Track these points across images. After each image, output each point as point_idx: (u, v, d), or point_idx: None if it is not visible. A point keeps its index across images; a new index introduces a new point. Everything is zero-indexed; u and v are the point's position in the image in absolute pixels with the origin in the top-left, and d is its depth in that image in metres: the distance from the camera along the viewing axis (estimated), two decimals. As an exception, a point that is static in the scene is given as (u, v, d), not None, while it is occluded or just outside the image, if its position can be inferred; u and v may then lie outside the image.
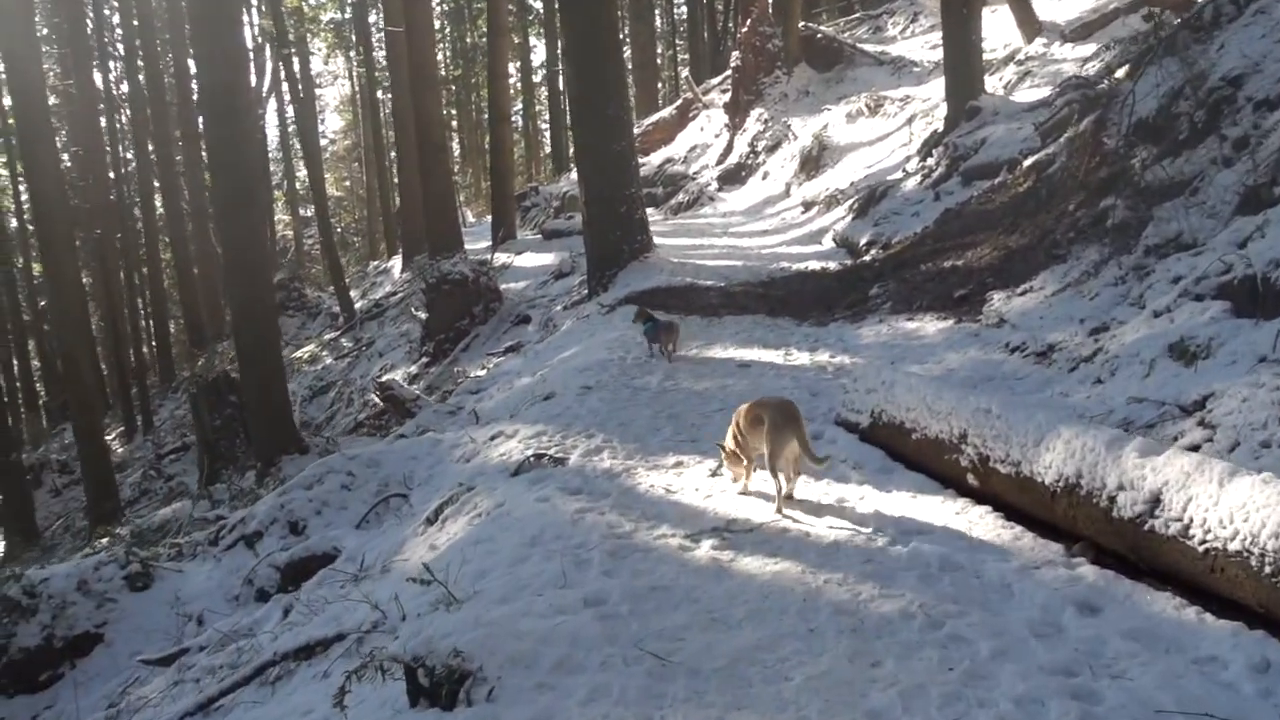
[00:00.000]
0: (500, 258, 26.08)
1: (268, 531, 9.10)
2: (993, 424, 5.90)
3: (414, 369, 21.67)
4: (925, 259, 13.52)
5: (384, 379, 15.06)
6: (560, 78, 38.24)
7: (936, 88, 22.94)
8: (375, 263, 33.71)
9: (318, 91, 53.74)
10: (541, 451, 7.84)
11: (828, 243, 18.28)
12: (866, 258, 16.06)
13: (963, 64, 17.95)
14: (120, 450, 29.56)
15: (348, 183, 59.63)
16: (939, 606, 4.69)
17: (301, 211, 54.34)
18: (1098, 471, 5.01)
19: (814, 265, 16.76)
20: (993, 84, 19.57)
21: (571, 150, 23.53)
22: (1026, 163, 14.41)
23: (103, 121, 35.16)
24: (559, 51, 20.37)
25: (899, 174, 18.67)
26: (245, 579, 8.80)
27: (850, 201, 18.92)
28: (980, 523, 5.73)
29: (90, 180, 34.11)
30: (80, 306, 21.20)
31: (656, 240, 20.21)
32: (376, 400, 16.12)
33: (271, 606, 7.85)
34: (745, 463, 6.66)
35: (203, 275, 39.88)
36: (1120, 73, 13.88)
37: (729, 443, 6.73)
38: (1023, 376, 8.54)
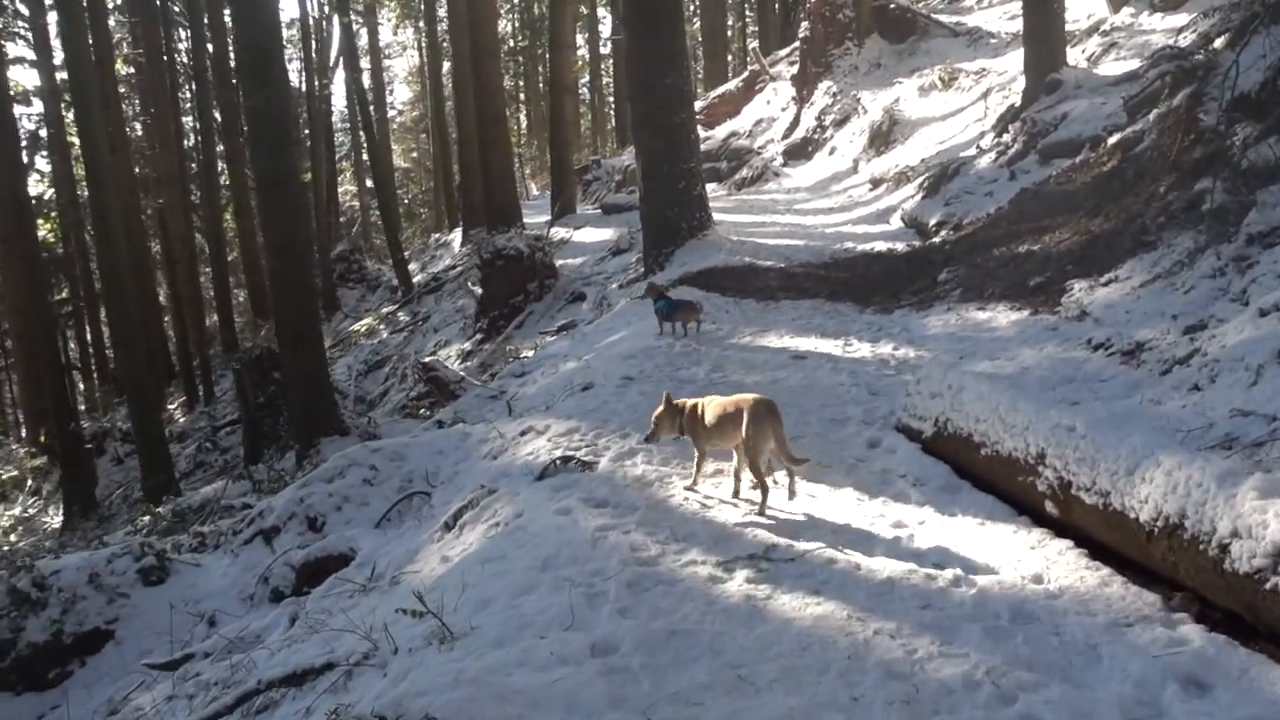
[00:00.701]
0: (558, 232, 25.41)
1: (285, 527, 8.52)
2: (1077, 444, 5.04)
3: (468, 345, 21.14)
4: (999, 242, 12.52)
5: (427, 359, 14.49)
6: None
7: (1014, 60, 21.68)
8: (436, 235, 33.25)
9: (386, 62, 53.56)
10: (570, 454, 7.12)
11: (895, 222, 17.29)
12: (936, 239, 15.07)
13: (1043, 34, 16.76)
14: (182, 420, 29.57)
15: (415, 154, 59.32)
16: (1010, 674, 3.88)
17: (369, 182, 54.21)
18: (1206, 512, 4.14)
19: (880, 246, 15.80)
20: (1075, 56, 18.30)
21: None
22: (1111, 140, 13.30)
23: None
24: (620, 19, 19.47)
25: (972, 151, 17.57)
26: (261, 577, 8.23)
27: (920, 179, 17.87)
28: (1059, 561, 4.89)
29: (156, 147, 34.08)
30: (127, 274, 20.88)
31: (717, 217, 19.38)
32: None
33: (280, 613, 7.27)
34: (697, 456, 6.38)
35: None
36: (1219, 42, 12.66)
37: (669, 416, 6.41)
38: (1107, 378, 7.60)
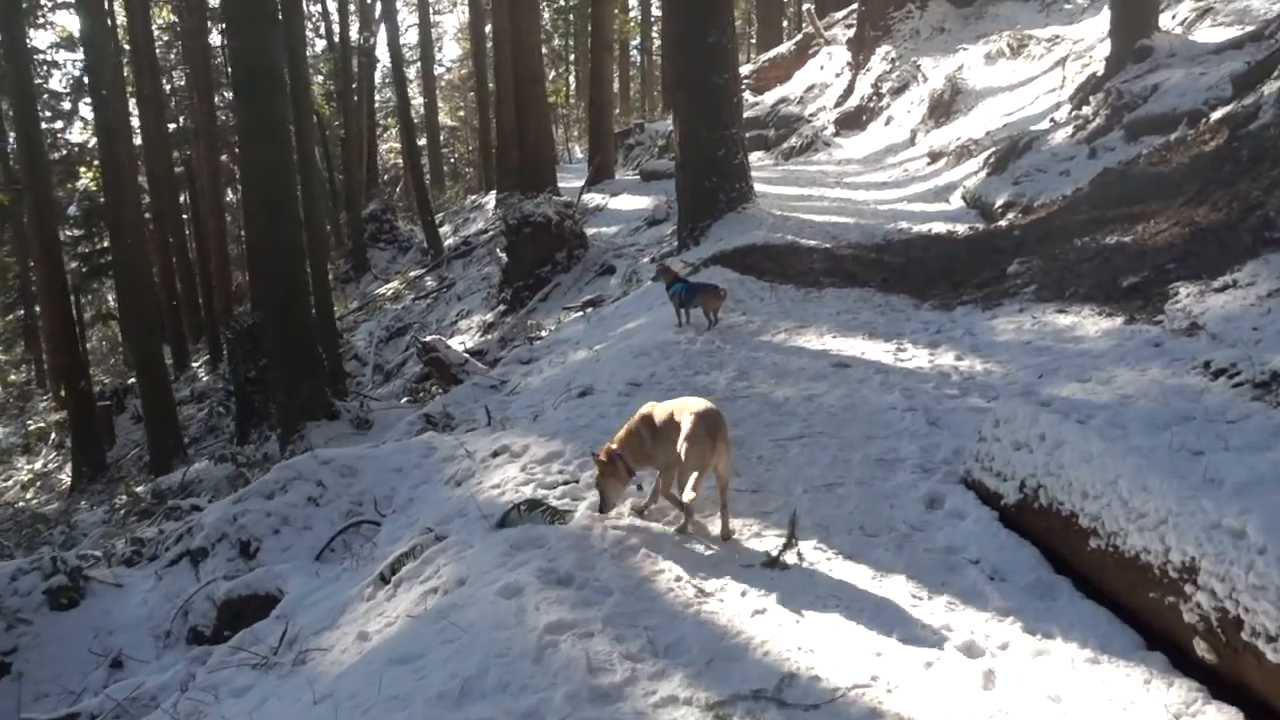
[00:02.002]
0: (593, 198, 23.72)
1: (214, 550, 6.99)
2: (1251, 561, 3.31)
3: (489, 317, 19.60)
4: (1080, 230, 10.62)
5: (429, 338, 12.88)
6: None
7: (1093, 27, 19.57)
8: (473, 197, 31.64)
9: (436, 18, 51.75)
10: (542, 494, 5.48)
11: (956, 201, 15.37)
12: (1003, 222, 13.17)
13: (1133, -5, 14.70)
14: (205, 379, 28.37)
15: (462, 112, 57.59)
16: None
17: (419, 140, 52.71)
18: None
19: (939, 227, 13.93)
20: (1165, 22, 16.17)
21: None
22: (1215, 115, 11.33)
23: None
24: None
25: (1045, 124, 15.56)
26: (181, 610, 6.74)
27: (986, 154, 15.90)
28: (1223, 745, 3.18)
29: (194, 99, 32.74)
30: (139, 237, 19.53)
31: (760, 188, 17.59)
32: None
33: (179, 671, 5.78)
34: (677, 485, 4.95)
35: (306, 198, 38.60)
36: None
37: (615, 449, 5.12)
38: (1237, 419, 5.78)
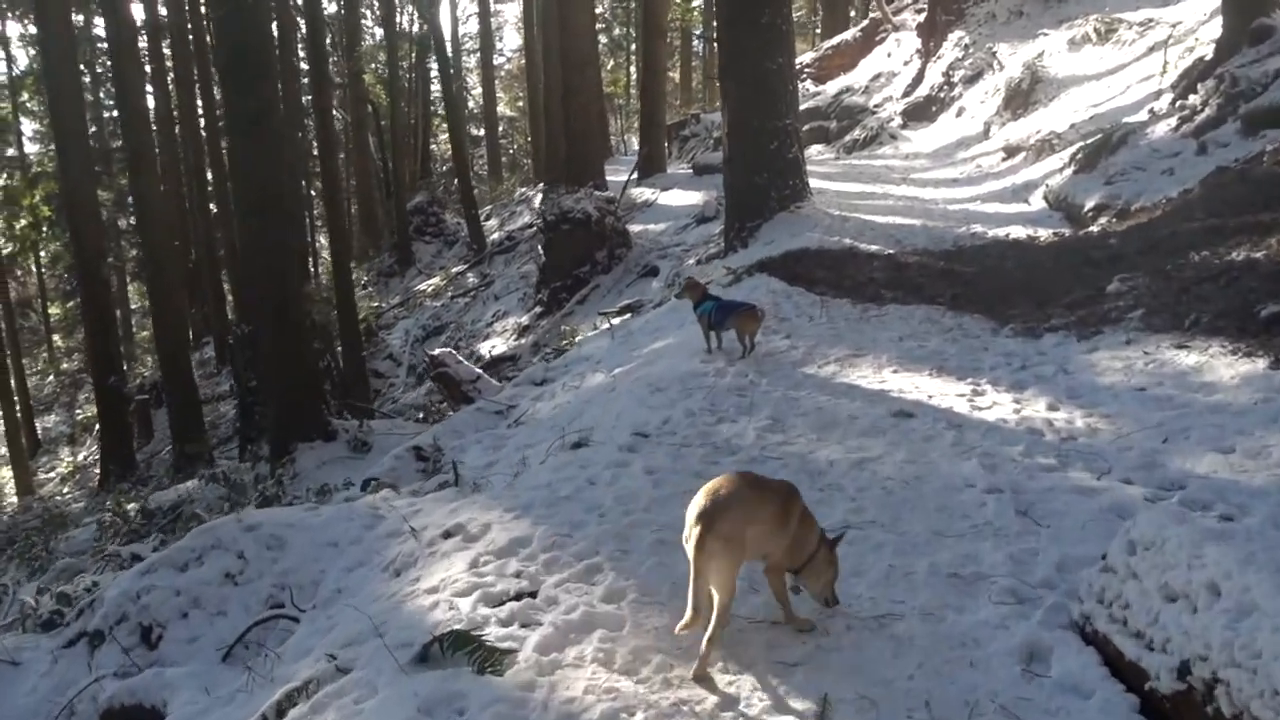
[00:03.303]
0: (642, 193, 22.09)
1: (112, 634, 5.54)
2: None
3: (525, 319, 18.13)
4: (1195, 242, 8.76)
5: (437, 351, 11.36)
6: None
7: (1192, 8, 17.44)
8: (523, 189, 30.20)
9: (497, 6, 50.39)
10: (473, 628, 3.89)
11: (1037, 201, 13.50)
12: (1094, 228, 11.30)
13: (1248, -31, 12.66)
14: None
15: (521, 103, 56.11)
16: None
17: (475, 130, 51.49)
18: None
19: (1018, 232, 12.10)
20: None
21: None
22: (1359, 105, 9.38)
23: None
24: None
25: (1143, 116, 13.58)
26: (66, 708, 5.32)
27: (1071, 149, 13.96)
28: None
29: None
30: (166, 241, 18.41)
31: (818, 185, 15.87)
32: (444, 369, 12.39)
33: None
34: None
35: (360, 191, 37.49)
36: None
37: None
38: None
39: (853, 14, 37.35)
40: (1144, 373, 6.45)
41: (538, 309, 17.80)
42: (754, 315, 7.56)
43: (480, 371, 11.13)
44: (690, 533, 3.53)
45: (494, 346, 17.99)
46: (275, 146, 9.82)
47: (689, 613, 3.45)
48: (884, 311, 9.09)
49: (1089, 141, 13.38)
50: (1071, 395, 6.33)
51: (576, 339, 13.29)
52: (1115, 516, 4.46)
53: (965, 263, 11.04)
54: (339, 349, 16.97)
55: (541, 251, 18.12)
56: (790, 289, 10.09)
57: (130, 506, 12.14)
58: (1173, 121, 12.26)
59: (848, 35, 28.65)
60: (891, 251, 11.72)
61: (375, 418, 12.28)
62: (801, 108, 24.97)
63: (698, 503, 3.61)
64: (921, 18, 24.63)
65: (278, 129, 10.09)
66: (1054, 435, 5.64)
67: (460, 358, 11.43)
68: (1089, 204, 11.80)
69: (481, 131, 50.50)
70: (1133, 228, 10.42)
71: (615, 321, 11.66)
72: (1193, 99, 12.20)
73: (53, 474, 27.17)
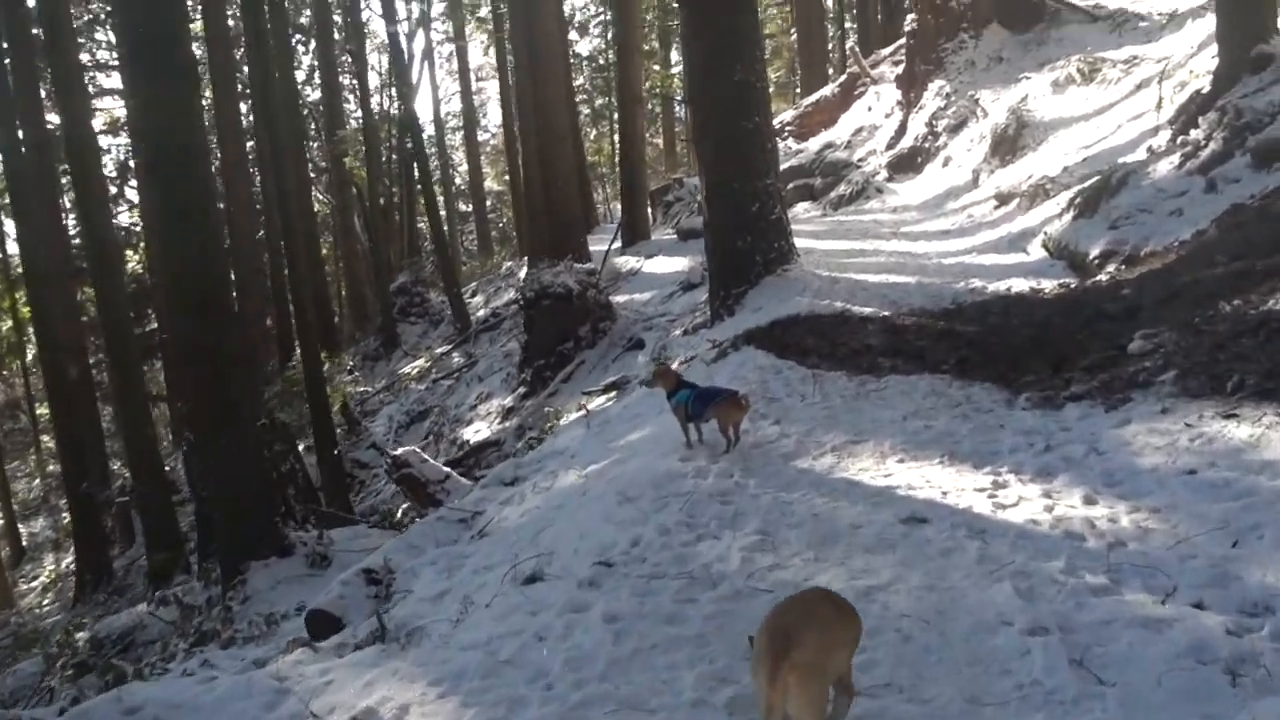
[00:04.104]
0: (627, 261, 21.29)
1: None
2: None
3: (509, 401, 17.15)
4: (1222, 290, 7.82)
5: (398, 452, 10.36)
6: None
7: (1177, 43, 16.76)
8: (509, 264, 29.44)
9: (479, 84, 50.14)
10: None
11: (1036, 250, 12.62)
12: (1102, 277, 10.40)
13: (1241, -5, 11.89)
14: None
15: (508, 176, 55.78)
16: None
17: (462, 206, 51.09)
18: None
19: (1019, 285, 11.20)
20: (1274, 27, 13.30)
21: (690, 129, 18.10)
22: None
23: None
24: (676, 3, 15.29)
25: (1140, 154, 12.75)
26: None
27: (1068, 194, 13.11)
28: None
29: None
30: (127, 321, 17.52)
31: (806, 244, 15.05)
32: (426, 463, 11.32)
33: None
34: None
35: (348, 273, 36.73)
36: None
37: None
38: None
39: (830, 71, 36.96)
40: (1190, 451, 5.46)
41: (521, 389, 16.83)
42: (737, 404, 6.59)
43: (448, 471, 10.13)
44: (760, 665, 3.01)
45: (478, 431, 17.01)
46: (206, 242, 8.92)
47: None
48: (883, 384, 8.13)
49: (1087, 185, 12.53)
50: (1109, 483, 5.34)
51: (560, 421, 12.34)
52: (1196, 662, 3.47)
53: (967, 321, 10.11)
54: (313, 444, 16.01)
55: (523, 329, 17.23)
56: (780, 363, 9.15)
57: (79, 635, 11.08)
58: (1175, 159, 11.40)
59: (826, 91, 28.07)
60: (887, 313, 10.79)
61: (342, 524, 11.24)
62: (785, 166, 24.36)
63: (768, 635, 3.07)
64: (900, 69, 24.03)
65: (215, 224, 9.20)
66: (1098, 540, 4.65)
67: (425, 456, 10.42)
68: (1094, 251, 10.90)
69: (470, 207, 50.14)
70: (1146, 275, 9.51)
71: (592, 406, 10.71)
72: (1194, 134, 11.36)
73: (35, 583, 26.02)
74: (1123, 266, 10.36)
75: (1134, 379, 6.91)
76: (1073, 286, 10.50)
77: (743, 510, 5.54)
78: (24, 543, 30.11)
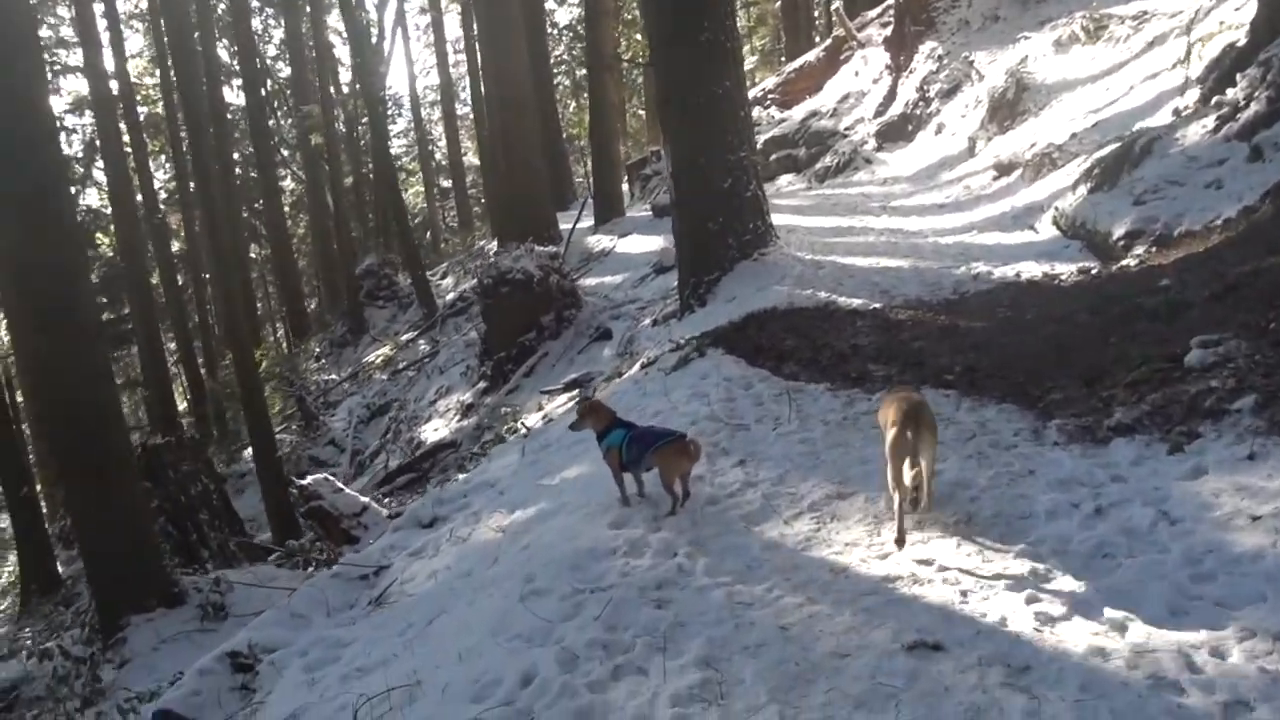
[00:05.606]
0: (600, 241, 19.60)
1: None
2: None
3: (468, 396, 15.50)
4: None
5: (307, 481, 8.60)
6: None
7: (1190, -3, 14.96)
8: (482, 243, 27.62)
9: (455, 56, 47.87)
10: None
11: (1046, 228, 10.95)
12: (1129, 260, 8.73)
13: (1277, -66, 10.13)
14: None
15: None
16: None
17: (443, 181, 49.02)
18: None
19: (1030, 269, 9.55)
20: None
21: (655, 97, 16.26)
22: None
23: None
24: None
25: (1163, 117, 11.05)
26: None
27: (1081, 163, 11.41)
28: None
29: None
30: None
31: (788, 221, 13.43)
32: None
33: None
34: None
35: (319, 254, 34.80)
36: None
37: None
38: None
39: (816, 38, 34.97)
40: (1304, 524, 3.83)
41: (482, 384, 15.18)
42: (684, 451, 4.92)
43: (365, 502, 8.47)
44: (900, 429, 4.40)
45: (436, 430, 15.37)
46: (67, 233, 7.21)
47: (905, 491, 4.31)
48: (875, 403, 6.44)
49: (1103, 153, 10.81)
50: (1198, 577, 3.71)
51: (518, 423, 10.69)
52: None
53: (972, 316, 8.46)
54: (249, 454, 14.34)
55: (481, 319, 15.56)
56: (751, 372, 7.51)
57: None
58: (1208, 122, 9.69)
59: (810, 56, 26.15)
60: (878, 305, 9.14)
61: (265, 555, 9.60)
62: (768, 135, 22.55)
63: (898, 408, 4.58)
64: (888, 31, 22.17)
65: (65, 209, 7.46)
66: (1204, 697, 3.01)
67: (339, 484, 8.74)
68: (1117, 231, 9.22)
69: (449, 183, 48.07)
70: (1186, 261, 7.84)
71: (536, 420, 9.05)
72: (1230, 93, 9.64)
73: (-9, 586, 24.35)
74: (1153, 249, 8.69)
75: (1198, 405, 5.25)
76: (1095, 273, 8.83)
77: (683, 618, 3.90)
78: (-16, 542, 28.42)
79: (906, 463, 4.27)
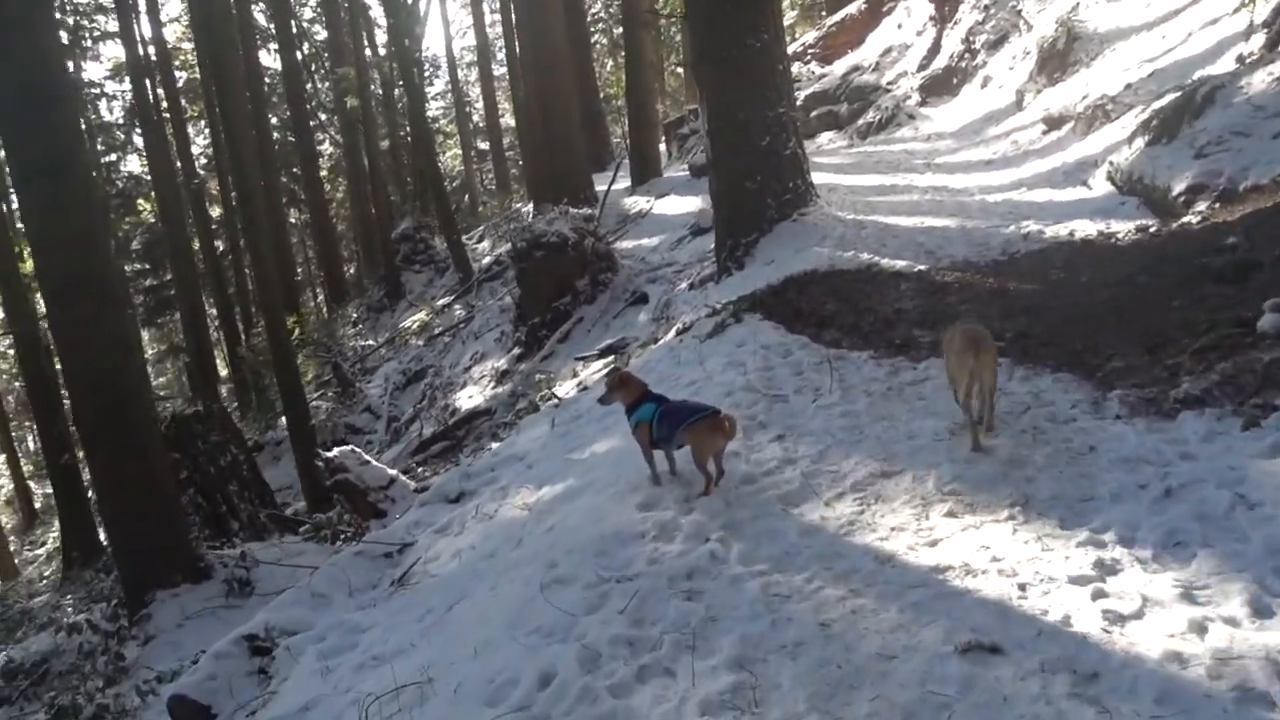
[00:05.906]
0: (637, 202, 19.20)
1: None
2: None
3: (503, 362, 15.28)
4: (1382, 241, 5.70)
5: (334, 453, 8.40)
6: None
7: (1254, -65, 14.14)
8: (519, 205, 27.29)
9: (492, 16, 47.32)
10: None
11: (1100, 184, 10.42)
12: (1191, 217, 8.22)
13: None
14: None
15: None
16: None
17: (480, 144, 48.64)
18: None
19: (1085, 228, 9.07)
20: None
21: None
22: None
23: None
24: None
25: (1225, 64, 10.46)
26: None
27: (1136, 115, 10.84)
28: None
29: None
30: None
31: (828, 179, 13.01)
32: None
33: None
34: None
35: (358, 218, 34.70)
36: None
37: None
38: None
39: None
40: (1405, 514, 3.45)
41: (517, 350, 14.95)
42: (718, 427, 4.60)
43: (393, 474, 8.25)
44: (967, 355, 4.72)
45: (470, 396, 15.19)
46: (87, 209, 7.00)
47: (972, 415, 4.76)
48: (921, 372, 6.11)
49: (1161, 104, 10.22)
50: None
51: (558, 389, 10.44)
52: None
53: (1022, 278, 8.03)
54: (283, 422, 14.24)
55: (516, 283, 15.29)
56: (790, 339, 7.17)
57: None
58: (1275, 69, 9.10)
59: (851, 9, 25.37)
60: (923, 267, 8.74)
61: (296, 528, 9.46)
62: (808, 91, 21.94)
63: (966, 337, 4.82)
64: (933, -20, 21.39)
65: (82, 183, 7.24)
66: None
67: (366, 456, 8.51)
68: (1178, 185, 8.70)
69: (487, 145, 47.65)
70: (1255, 217, 7.34)
71: (570, 388, 8.78)
72: (1302, 37, 9.05)
73: (42, 550, 24.77)
74: (1217, 205, 8.18)
75: (1273, 375, 4.84)
76: (1155, 231, 8.33)
77: (715, 612, 3.61)
78: (37, 504, 28.91)
79: (968, 380, 4.70)
